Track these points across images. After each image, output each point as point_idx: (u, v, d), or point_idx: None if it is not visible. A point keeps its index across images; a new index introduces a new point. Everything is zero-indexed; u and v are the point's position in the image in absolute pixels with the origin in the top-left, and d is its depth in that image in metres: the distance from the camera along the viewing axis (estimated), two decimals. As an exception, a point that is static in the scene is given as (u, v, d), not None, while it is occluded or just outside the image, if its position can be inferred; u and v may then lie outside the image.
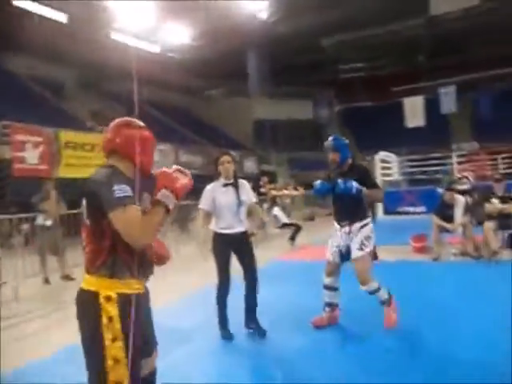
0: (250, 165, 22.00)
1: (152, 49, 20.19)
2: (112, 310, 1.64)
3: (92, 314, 1.64)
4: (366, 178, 3.61)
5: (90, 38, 17.33)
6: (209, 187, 3.66)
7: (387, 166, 14.63)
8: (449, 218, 6.52)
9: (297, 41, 25.91)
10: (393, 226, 10.17)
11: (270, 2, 21.76)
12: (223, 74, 25.37)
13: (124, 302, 1.67)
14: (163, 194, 1.71)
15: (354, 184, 3.44)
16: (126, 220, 1.60)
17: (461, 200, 6.61)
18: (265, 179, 11.35)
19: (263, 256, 7.46)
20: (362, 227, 3.59)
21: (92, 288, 1.68)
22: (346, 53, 32.05)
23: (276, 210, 8.86)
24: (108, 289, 1.66)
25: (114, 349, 1.62)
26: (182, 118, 23.37)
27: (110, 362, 1.61)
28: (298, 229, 8.66)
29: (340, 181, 3.48)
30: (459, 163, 14.05)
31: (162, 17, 18.78)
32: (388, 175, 14.38)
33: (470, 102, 26.89)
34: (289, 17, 22.85)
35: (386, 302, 3.68)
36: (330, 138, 3.78)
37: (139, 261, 1.73)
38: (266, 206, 10.34)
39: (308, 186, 16.79)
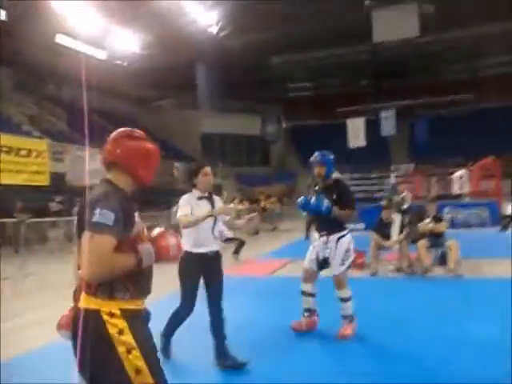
0: (197, 177, 21.89)
1: (99, 55, 19.65)
2: (119, 323, 1.58)
3: (97, 330, 1.55)
4: (344, 197, 3.78)
5: (32, 39, 16.58)
6: (186, 197, 3.33)
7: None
8: (386, 236, 6.82)
9: (246, 57, 26.28)
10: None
11: (219, 18, 21.98)
12: (172, 86, 25.19)
13: (129, 316, 1.61)
14: (146, 249, 1.66)
15: (326, 203, 3.64)
16: (91, 247, 1.51)
17: (397, 218, 6.93)
18: (210, 193, 11.27)
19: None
20: (339, 238, 3.76)
21: (92, 306, 1.59)
22: (294, 72, 32.97)
23: (220, 225, 8.79)
24: (109, 307, 1.59)
25: (132, 359, 1.56)
26: (128, 127, 22.81)
27: (131, 374, 1.56)
28: (241, 243, 8.65)
29: (313, 198, 3.69)
30: (396, 183, 14.77)
31: (111, 23, 18.40)
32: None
33: (408, 126, 28.49)
34: (239, 33, 23.17)
35: (349, 318, 3.80)
36: (317, 153, 3.89)
37: (138, 280, 1.66)
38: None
39: (253, 200, 16.89)
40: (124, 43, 20.26)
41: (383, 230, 6.85)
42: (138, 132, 1.81)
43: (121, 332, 1.57)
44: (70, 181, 14.95)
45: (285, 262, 7.83)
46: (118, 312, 1.59)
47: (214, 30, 22.91)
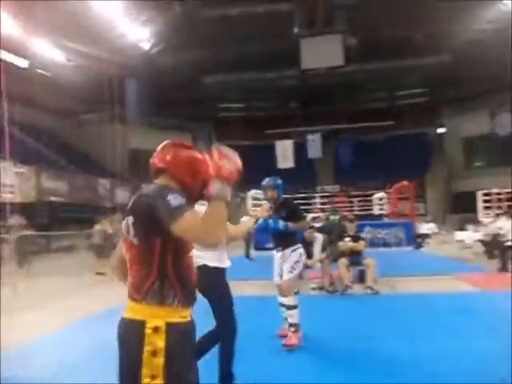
0: (124, 194, 21.10)
1: (20, 63, 18.52)
2: (158, 340, 1.48)
3: (133, 346, 1.48)
4: (294, 212, 4.30)
5: None
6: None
7: (258, 204, 15.27)
8: (308, 254, 6.98)
9: (179, 75, 26.20)
10: (262, 261, 10.48)
11: (151, 34, 21.79)
12: (100, 99, 24.29)
13: (173, 331, 1.51)
14: (216, 187, 1.53)
15: (281, 223, 4.12)
16: (190, 226, 1.48)
17: (319, 237, 7.15)
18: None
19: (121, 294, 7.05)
20: (292, 251, 4.21)
21: (138, 317, 1.51)
22: (226, 92, 33.41)
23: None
24: (156, 317, 1.50)
25: None
26: (49, 141, 21.53)
27: None
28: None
29: (270, 221, 4.10)
30: (322, 204, 15.36)
31: (34, 31, 17.48)
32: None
33: (334, 150, 29.85)
34: (171, 51, 23.10)
35: (295, 327, 4.06)
36: (269, 178, 4.38)
37: (187, 287, 1.60)
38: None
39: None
40: (49, 52, 19.31)
41: (305, 248, 7.00)
42: (189, 143, 1.89)
43: (154, 353, 1.47)
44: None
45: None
46: (164, 326, 1.50)
47: (146, 45, 22.64)
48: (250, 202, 14.18)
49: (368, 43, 23.61)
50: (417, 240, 13.64)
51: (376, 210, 16.81)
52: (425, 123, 30.35)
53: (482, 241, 10.58)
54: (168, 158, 1.74)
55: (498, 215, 11.04)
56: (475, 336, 4.15)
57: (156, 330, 1.49)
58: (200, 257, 2.81)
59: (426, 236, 14.11)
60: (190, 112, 32.01)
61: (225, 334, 2.98)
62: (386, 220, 16.07)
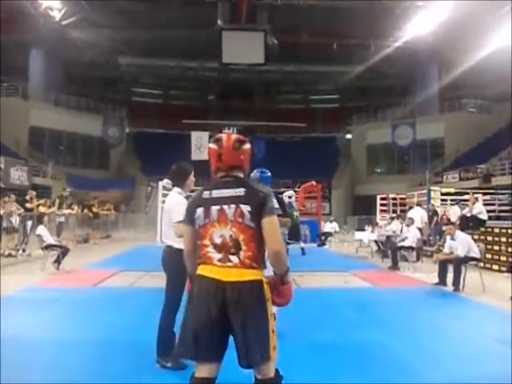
0: (20, 175, 19.32)
1: None
2: (268, 292, 2.07)
3: (263, 297, 2.04)
4: (281, 206, 3.99)
5: None
6: (183, 198, 3.30)
7: (168, 194, 14.95)
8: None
9: (92, 52, 24.67)
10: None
11: (64, 3, 20.20)
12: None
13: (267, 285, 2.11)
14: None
15: None
16: (277, 227, 2.06)
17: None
18: (32, 193, 10.09)
19: (21, 280, 6.48)
20: None
21: (258, 278, 2.05)
22: (142, 77, 32.17)
23: (40, 229, 7.89)
24: (262, 276, 2.08)
25: (272, 322, 2.06)
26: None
27: (271, 334, 2.04)
28: (64, 251, 7.88)
29: None
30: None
31: None
32: (169, 202, 14.68)
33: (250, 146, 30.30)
34: (85, 25, 21.64)
35: None
36: (257, 170, 3.94)
37: None
38: (30, 223, 9.19)
39: (87, 206, 15.68)
40: None
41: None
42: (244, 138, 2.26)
43: (268, 299, 2.06)
44: None
45: (111, 273, 7.39)
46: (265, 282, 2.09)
47: (56, 15, 20.93)
48: (161, 192, 13.81)
49: (287, 46, 24.30)
50: (321, 238, 14.36)
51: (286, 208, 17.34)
52: (335, 128, 32.08)
53: (376, 241, 11.46)
54: (242, 157, 2.20)
55: (392, 218, 12.04)
56: (363, 327, 4.47)
57: (267, 284, 2.07)
58: (167, 238, 3.33)
59: (329, 234, 14.90)
60: (102, 93, 30.32)
61: (173, 308, 3.29)
62: (293, 217, 16.64)
